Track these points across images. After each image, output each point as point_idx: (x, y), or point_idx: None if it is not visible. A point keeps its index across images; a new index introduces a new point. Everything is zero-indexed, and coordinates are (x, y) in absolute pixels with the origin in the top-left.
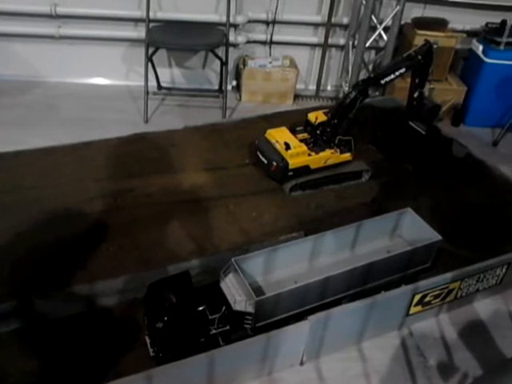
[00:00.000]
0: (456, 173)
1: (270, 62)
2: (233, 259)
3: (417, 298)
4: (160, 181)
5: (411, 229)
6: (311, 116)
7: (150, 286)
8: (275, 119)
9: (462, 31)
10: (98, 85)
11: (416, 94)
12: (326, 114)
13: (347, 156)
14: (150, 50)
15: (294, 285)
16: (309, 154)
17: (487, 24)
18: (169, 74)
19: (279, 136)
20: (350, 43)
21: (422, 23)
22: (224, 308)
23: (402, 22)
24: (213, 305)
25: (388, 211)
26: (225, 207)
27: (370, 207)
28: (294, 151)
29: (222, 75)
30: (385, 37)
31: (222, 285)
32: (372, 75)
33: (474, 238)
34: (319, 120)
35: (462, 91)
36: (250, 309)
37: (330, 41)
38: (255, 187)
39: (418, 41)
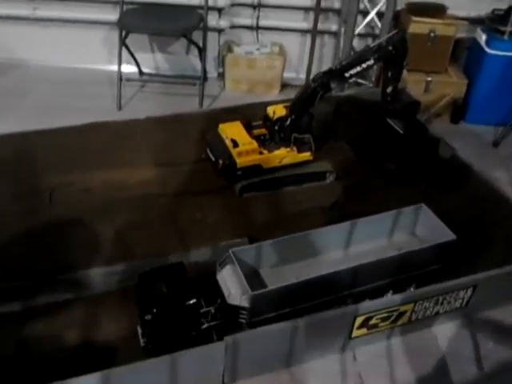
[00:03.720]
0: (435, 176)
1: (258, 49)
2: (230, 250)
3: (359, 320)
4: (102, 175)
5: (425, 227)
6: (270, 110)
7: (141, 275)
8: (247, 111)
9: (464, 18)
10: (78, 69)
11: (389, 89)
12: (286, 107)
13: (306, 155)
14: (124, 34)
15: (294, 280)
16: (260, 152)
17: (493, 11)
18: (152, 60)
19: (231, 131)
20: (343, 29)
21: (417, 8)
22: (219, 301)
23: (399, 8)
24: (208, 297)
25: (348, 218)
26: (166, 207)
27: (328, 212)
28: (243, 148)
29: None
30: (379, 23)
31: (219, 277)
32: (335, 67)
33: None
34: (277, 114)
35: (462, 85)
36: (245, 303)
37: (320, 27)
38: (206, 185)
39: (414, 28)
